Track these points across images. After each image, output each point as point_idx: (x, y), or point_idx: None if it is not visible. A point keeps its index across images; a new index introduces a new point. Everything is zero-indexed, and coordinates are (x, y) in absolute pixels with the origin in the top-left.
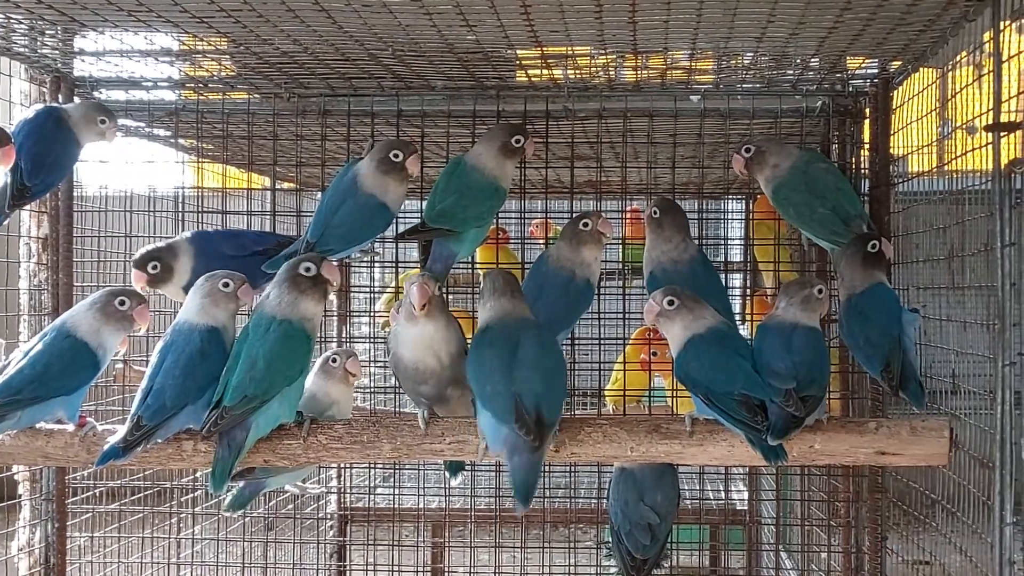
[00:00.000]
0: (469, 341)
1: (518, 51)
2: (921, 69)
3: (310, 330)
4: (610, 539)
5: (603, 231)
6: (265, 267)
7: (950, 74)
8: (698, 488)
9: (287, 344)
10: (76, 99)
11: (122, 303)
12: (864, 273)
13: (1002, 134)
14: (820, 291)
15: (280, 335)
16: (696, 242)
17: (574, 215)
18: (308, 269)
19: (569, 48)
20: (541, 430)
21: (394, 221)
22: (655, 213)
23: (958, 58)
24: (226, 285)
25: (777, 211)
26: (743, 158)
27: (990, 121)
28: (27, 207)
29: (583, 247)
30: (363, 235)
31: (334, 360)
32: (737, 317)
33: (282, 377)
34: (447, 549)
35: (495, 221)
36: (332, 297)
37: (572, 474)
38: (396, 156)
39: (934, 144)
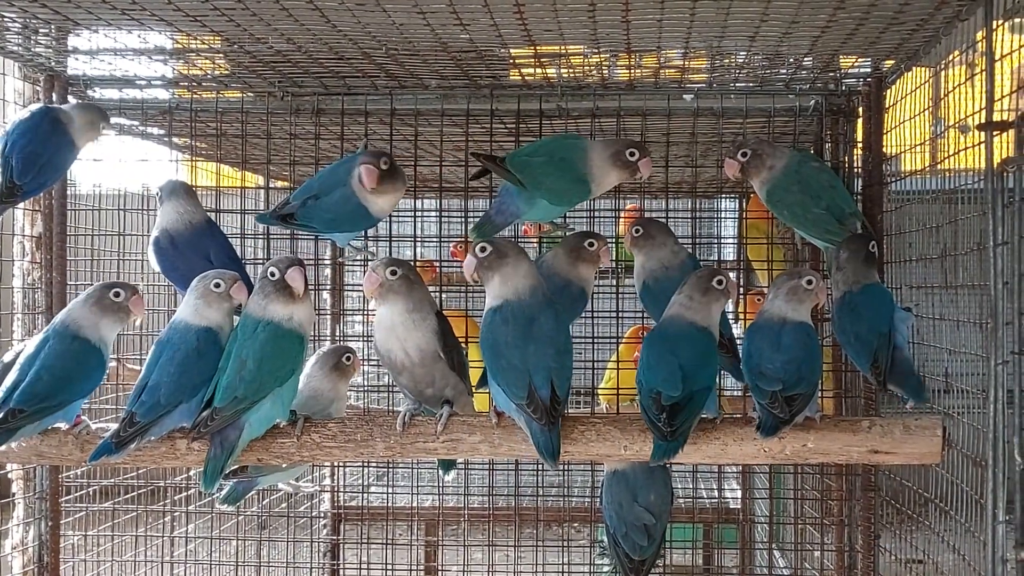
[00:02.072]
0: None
1: (512, 50)
2: (914, 68)
3: (298, 328)
4: (604, 539)
5: (603, 258)
6: (258, 218)
7: (943, 73)
8: (691, 487)
9: (277, 345)
10: (71, 98)
11: (117, 295)
12: (862, 272)
13: (994, 133)
14: (809, 282)
15: (268, 336)
16: (684, 246)
17: (583, 231)
18: (272, 274)
19: (563, 47)
20: (555, 408)
21: (400, 207)
22: (636, 232)
23: (951, 57)
24: (217, 286)
25: (771, 212)
26: (739, 162)
27: (983, 120)
28: (21, 206)
29: (580, 263)
30: (342, 228)
31: (348, 358)
32: (731, 316)
33: (273, 378)
34: (440, 548)
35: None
36: (326, 296)
37: (565, 473)
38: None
39: (927, 143)
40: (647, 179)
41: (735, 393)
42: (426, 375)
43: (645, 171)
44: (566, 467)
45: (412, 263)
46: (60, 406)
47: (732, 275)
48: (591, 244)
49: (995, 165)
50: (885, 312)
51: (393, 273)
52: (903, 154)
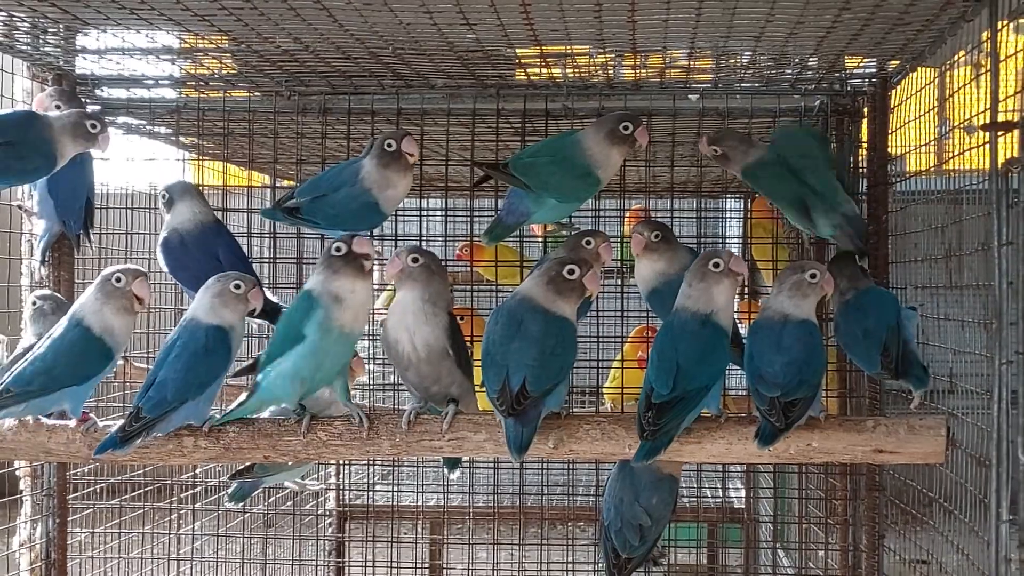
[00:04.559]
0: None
1: (518, 50)
2: (919, 68)
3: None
4: (598, 535)
5: (603, 255)
6: (263, 213)
7: (948, 73)
8: (695, 486)
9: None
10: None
11: (118, 280)
12: (855, 280)
13: (999, 133)
14: (813, 275)
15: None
16: (687, 246)
17: (580, 231)
18: (339, 249)
19: (568, 47)
20: (522, 401)
21: (398, 210)
22: (656, 237)
23: (956, 57)
24: (237, 287)
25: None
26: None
27: (987, 120)
28: (26, 205)
29: None
30: (348, 226)
31: None
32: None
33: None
34: (445, 546)
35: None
36: None
37: (570, 472)
38: (390, 146)
39: (932, 143)
40: (645, 147)
41: (740, 392)
42: (432, 372)
43: (642, 139)
44: (571, 466)
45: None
46: (44, 391)
47: (730, 255)
48: (588, 243)
49: (1000, 165)
50: (891, 307)
51: (415, 260)
52: (908, 154)
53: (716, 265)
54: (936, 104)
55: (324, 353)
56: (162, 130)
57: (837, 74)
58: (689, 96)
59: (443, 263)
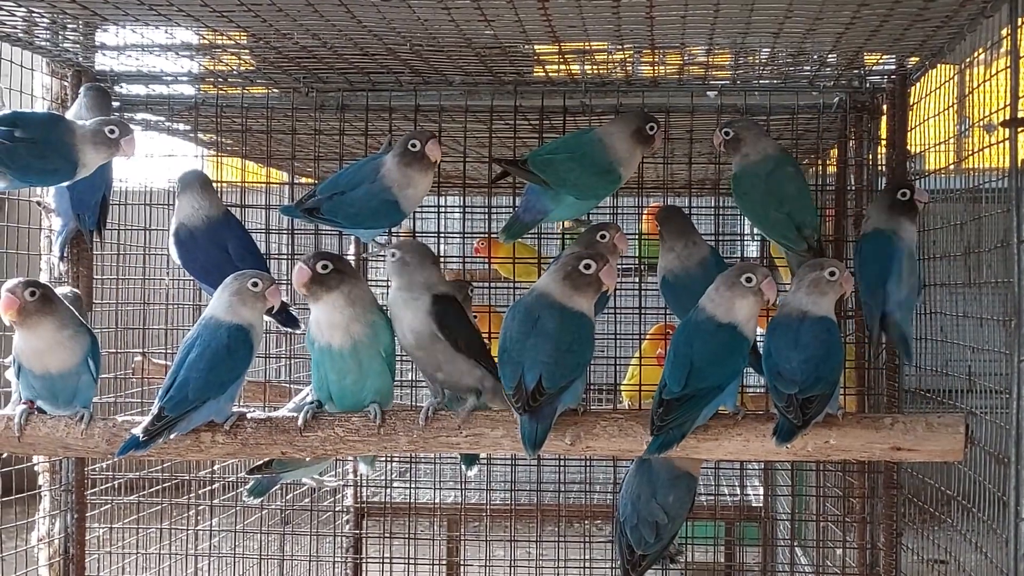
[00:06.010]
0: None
1: (536, 46)
2: (939, 65)
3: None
4: (613, 531)
5: (619, 245)
6: (282, 210)
7: (968, 70)
8: (713, 484)
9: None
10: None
11: (255, 284)
12: (887, 217)
13: (1019, 130)
14: (832, 273)
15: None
16: (707, 242)
17: (593, 224)
18: (414, 145)
19: (587, 43)
20: (538, 398)
21: (424, 203)
22: (658, 225)
23: (976, 54)
24: (255, 285)
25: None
26: (721, 138)
27: (1007, 117)
28: (45, 201)
29: None
30: (367, 223)
31: None
32: None
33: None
34: (462, 543)
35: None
36: None
37: (587, 470)
38: (414, 146)
39: (951, 140)
40: (659, 148)
41: (758, 390)
42: (428, 358)
43: (658, 141)
44: (588, 463)
45: (425, 246)
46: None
47: (764, 275)
48: (603, 236)
49: (1019, 162)
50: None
51: (393, 255)
52: (927, 151)
53: (748, 280)
54: (956, 101)
55: (320, 363)
56: (181, 126)
57: (856, 71)
58: (707, 93)
59: (426, 250)
